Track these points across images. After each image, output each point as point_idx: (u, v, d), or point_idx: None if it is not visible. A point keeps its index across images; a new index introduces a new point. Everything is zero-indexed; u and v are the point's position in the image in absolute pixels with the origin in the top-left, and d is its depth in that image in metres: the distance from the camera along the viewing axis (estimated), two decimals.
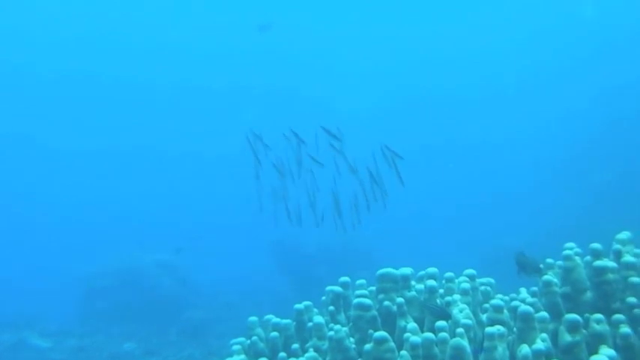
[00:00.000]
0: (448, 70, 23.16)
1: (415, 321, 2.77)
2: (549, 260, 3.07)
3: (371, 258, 11.47)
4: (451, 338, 2.49)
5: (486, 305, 2.96)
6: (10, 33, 23.97)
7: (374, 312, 2.88)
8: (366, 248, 12.13)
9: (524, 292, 3.18)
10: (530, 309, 2.58)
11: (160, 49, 25.13)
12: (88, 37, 24.51)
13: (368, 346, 2.63)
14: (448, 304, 2.85)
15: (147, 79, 24.69)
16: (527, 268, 2.94)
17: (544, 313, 2.64)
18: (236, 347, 3.14)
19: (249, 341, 3.15)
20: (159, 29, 25.06)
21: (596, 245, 2.80)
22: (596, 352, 2.41)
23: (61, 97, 24.38)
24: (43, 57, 24.43)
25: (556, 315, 2.71)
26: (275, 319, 3.19)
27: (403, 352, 2.53)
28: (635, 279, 2.65)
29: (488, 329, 2.52)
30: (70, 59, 24.41)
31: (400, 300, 2.83)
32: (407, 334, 2.60)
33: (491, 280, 3.25)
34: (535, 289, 3.09)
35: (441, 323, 2.56)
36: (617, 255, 2.78)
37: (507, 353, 2.52)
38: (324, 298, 3.25)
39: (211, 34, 25.30)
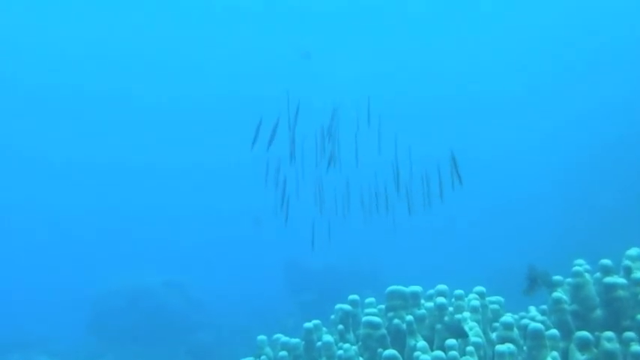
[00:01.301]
0: (451, 80, 23.12)
1: (425, 339, 2.76)
2: (558, 277, 3.05)
3: (378, 278, 11.42)
4: (461, 357, 2.48)
5: (496, 324, 2.94)
6: (10, 45, 24.26)
7: (383, 330, 2.87)
8: (373, 268, 12.09)
9: (533, 311, 3.15)
10: (541, 326, 2.57)
11: (163, 62, 25.35)
12: (92, 51, 24.78)
13: None
14: (458, 322, 2.83)
15: (155, 95, 24.90)
16: (538, 282, 2.92)
17: (554, 331, 2.62)
18: None
19: None
20: (156, 41, 25.27)
21: (605, 261, 2.78)
22: None
23: (69, 113, 24.57)
24: (55, 72, 24.69)
25: (566, 333, 2.69)
26: (284, 338, 3.17)
27: None
28: None
29: (499, 347, 2.50)
30: (82, 74, 24.67)
31: (410, 318, 2.82)
32: (417, 353, 2.59)
33: (500, 299, 3.22)
34: (544, 307, 3.07)
35: (450, 341, 2.55)
36: (627, 271, 2.76)
37: None
38: (333, 316, 3.23)
39: (212, 46, 25.49)
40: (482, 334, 2.71)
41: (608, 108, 14.69)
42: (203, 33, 25.56)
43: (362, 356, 2.83)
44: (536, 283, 2.94)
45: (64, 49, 24.77)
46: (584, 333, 2.51)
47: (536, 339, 2.54)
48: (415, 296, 2.96)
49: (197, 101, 24.75)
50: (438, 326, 2.77)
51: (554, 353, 2.54)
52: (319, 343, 2.99)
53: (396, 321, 2.89)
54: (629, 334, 2.54)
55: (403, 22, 25.03)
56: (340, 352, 2.79)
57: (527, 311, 3.16)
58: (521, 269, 3.10)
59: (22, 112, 24.53)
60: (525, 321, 2.85)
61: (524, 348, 2.62)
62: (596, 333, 2.58)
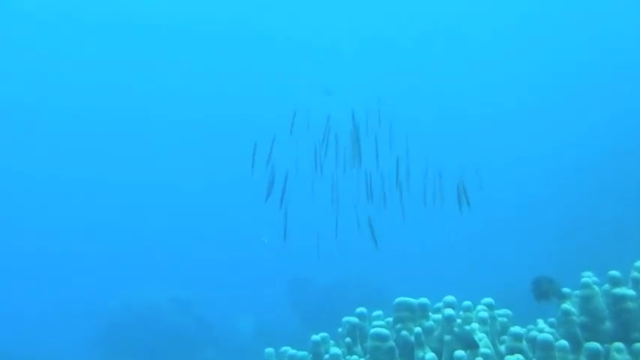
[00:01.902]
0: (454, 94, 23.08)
1: (433, 351, 2.75)
2: (566, 289, 3.04)
3: (385, 294, 11.36)
4: None
5: (504, 337, 2.93)
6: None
7: (391, 342, 2.86)
8: (379, 284, 12.04)
9: (541, 323, 3.14)
10: (551, 337, 2.56)
11: (181, 84, 25.62)
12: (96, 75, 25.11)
13: None
14: (468, 332, 2.82)
15: (166, 114, 25.07)
16: (549, 293, 2.92)
17: (564, 342, 2.60)
18: None
19: None
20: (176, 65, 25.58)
21: (614, 273, 2.77)
22: None
23: (82, 128, 24.74)
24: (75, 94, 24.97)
25: (575, 345, 2.68)
26: (291, 351, 3.16)
27: None
28: None
29: (508, 358, 2.49)
30: (96, 93, 24.97)
31: (418, 330, 2.81)
32: None
33: (508, 312, 3.21)
34: (553, 319, 3.06)
35: (459, 353, 2.54)
36: (636, 283, 2.75)
37: None
38: (340, 329, 3.22)
39: (223, 66, 25.73)
40: (491, 346, 2.69)
41: (614, 118, 14.68)
42: (212, 54, 25.86)
43: None
44: (547, 295, 2.92)
45: (86, 70, 25.13)
46: (594, 344, 2.50)
47: (545, 350, 2.52)
48: (423, 308, 2.95)
49: (205, 121, 24.90)
50: (447, 338, 2.76)
51: None
52: (327, 356, 2.98)
53: (404, 333, 2.88)
54: (639, 345, 2.52)
55: (407, 44, 25.20)
56: None
57: (535, 324, 3.15)
58: (527, 283, 3.09)
59: (30, 124, 24.72)
60: (534, 333, 2.83)
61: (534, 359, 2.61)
62: (606, 345, 2.57)
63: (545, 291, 2.93)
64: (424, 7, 24.69)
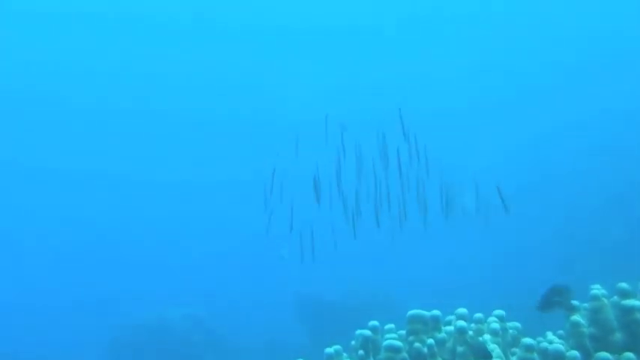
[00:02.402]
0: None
1: None
2: (575, 302, 3.08)
3: (395, 309, 11.31)
4: None
5: (515, 349, 2.97)
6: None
7: (404, 354, 2.90)
8: (389, 298, 12.02)
9: (550, 335, 3.18)
10: (562, 348, 2.60)
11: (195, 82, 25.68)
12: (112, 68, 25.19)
13: None
14: (482, 342, 2.86)
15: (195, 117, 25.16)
16: (562, 302, 2.95)
17: (575, 352, 2.65)
18: None
19: None
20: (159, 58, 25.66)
21: (623, 284, 2.82)
22: None
23: (100, 128, 24.81)
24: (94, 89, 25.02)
25: (586, 357, 2.71)
26: None
27: None
28: None
29: None
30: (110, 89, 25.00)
31: (431, 341, 2.86)
32: None
33: (518, 324, 3.25)
34: (561, 332, 3.10)
35: None
36: None
37: None
38: (353, 342, 3.26)
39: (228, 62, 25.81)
40: (503, 356, 2.74)
41: (615, 118, 14.68)
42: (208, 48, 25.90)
43: None
44: (557, 304, 2.96)
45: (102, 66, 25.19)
46: (605, 354, 2.54)
47: None
48: (436, 320, 3.00)
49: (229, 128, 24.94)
50: (459, 349, 2.80)
51: None
52: None
53: (416, 345, 2.92)
54: None
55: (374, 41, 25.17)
56: None
57: (544, 336, 3.19)
58: (534, 295, 3.13)
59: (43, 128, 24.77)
60: (544, 344, 2.87)
61: None
62: (616, 355, 2.61)
63: (552, 302, 2.97)
64: None
